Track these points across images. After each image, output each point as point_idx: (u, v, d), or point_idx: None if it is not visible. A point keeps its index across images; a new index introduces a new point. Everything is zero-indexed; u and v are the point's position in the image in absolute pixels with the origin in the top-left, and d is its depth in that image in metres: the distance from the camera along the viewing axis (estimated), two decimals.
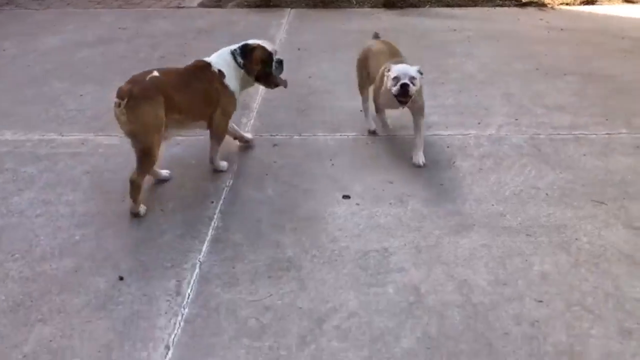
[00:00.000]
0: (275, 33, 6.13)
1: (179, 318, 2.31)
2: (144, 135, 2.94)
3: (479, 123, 3.90)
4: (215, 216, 2.96)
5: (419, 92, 3.41)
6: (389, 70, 3.35)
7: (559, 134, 3.80)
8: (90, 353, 2.17)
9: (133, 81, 2.97)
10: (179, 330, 2.25)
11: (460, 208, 3.01)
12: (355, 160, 3.50)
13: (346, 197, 3.13)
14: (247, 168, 3.41)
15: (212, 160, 3.36)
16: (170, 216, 2.99)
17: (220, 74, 3.26)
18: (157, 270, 2.58)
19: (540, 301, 2.37)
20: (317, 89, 4.62)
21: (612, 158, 3.50)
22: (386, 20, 6.65)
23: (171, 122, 3.00)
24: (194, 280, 2.52)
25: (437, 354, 2.11)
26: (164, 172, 3.29)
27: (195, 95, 3.13)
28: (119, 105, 2.91)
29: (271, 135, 3.84)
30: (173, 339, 2.21)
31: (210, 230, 2.86)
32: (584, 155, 3.53)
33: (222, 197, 3.13)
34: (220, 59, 3.43)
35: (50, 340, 2.23)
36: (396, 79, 3.27)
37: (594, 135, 3.78)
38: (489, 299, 2.37)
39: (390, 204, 3.06)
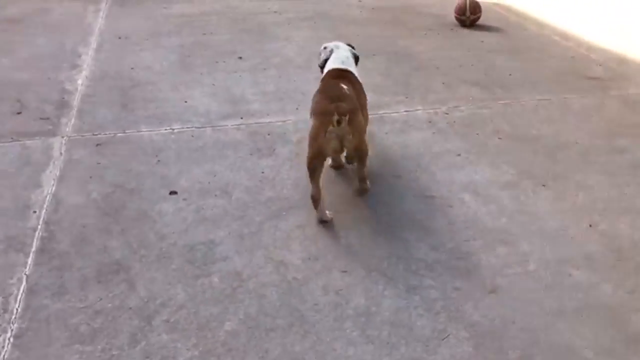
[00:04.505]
0: (93, 21, 6.00)
1: (8, 335, 2.37)
2: (364, 144, 3.14)
3: (297, 108, 4.25)
4: (39, 227, 3.00)
5: None
6: None
7: None
8: None
9: (341, 97, 3.02)
10: (9, 346, 2.32)
11: (280, 194, 3.33)
12: (180, 154, 3.69)
13: (173, 193, 3.31)
14: (69, 172, 3.43)
15: (364, 180, 3.36)
16: None
17: (355, 77, 3.30)
18: None
19: (345, 271, 2.78)
20: (140, 81, 4.68)
21: (409, 134, 4.05)
22: (209, 2, 6.78)
23: None
24: (22, 295, 2.58)
25: (256, 332, 2.43)
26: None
27: (363, 102, 3.27)
28: (339, 122, 2.87)
29: (93, 135, 3.88)
30: (4, 357, 2.28)
31: (35, 242, 2.90)
32: (386, 133, 4.04)
33: (45, 206, 3.15)
34: (348, 62, 3.41)
35: None
36: None
37: (395, 114, 4.31)
38: (302, 275, 2.74)
39: (216, 195, 3.31)
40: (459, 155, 3.76)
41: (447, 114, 4.29)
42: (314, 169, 3.00)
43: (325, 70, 3.40)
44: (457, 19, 6.23)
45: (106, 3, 6.65)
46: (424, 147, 3.84)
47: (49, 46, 5.30)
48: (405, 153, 3.76)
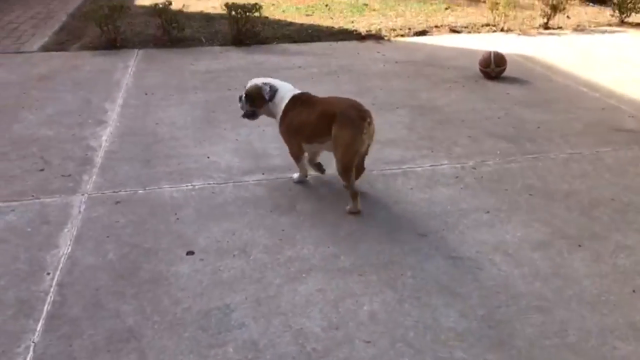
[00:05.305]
0: (121, 77, 6.05)
1: None
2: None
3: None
4: (52, 290, 2.90)
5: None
6: None
7: (389, 169, 4.13)
8: None
9: (357, 104, 3.61)
10: None
11: (300, 253, 3.18)
12: (200, 212, 3.64)
13: (190, 253, 3.19)
14: (87, 231, 3.35)
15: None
16: (2, 294, 2.86)
17: None
18: None
19: (369, 342, 2.58)
20: (164, 137, 4.64)
21: (435, 190, 3.88)
22: (235, 58, 6.81)
23: None
24: None
25: None
26: None
27: None
28: (369, 123, 3.51)
29: (114, 192, 3.80)
30: None
31: (46, 307, 2.79)
32: (411, 189, 3.88)
33: (60, 268, 3.06)
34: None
35: None
36: None
37: (420, 169, 4.16)
38: (322, 345, 2.55)
39: (234, 255, 3.17)
40: (488, 212, 3.57)
41: (474, 168, 4.12)
42: (351, 168, 3.56)
43: (284, 98, 3.82)
44: (481, 71, 6.13)
45: (135, 59, 6.75)
46: (450, 203, 3.67)
47: (75, 102, 5.35)
48: (431, 210, 3.60)
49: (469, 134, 4.73)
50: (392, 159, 4.28)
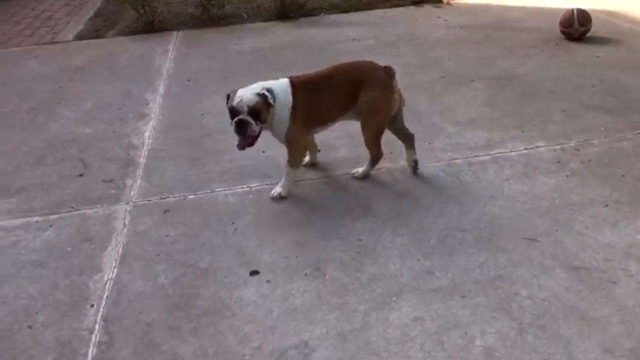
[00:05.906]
0: (161, 63, 5.49)
1: None
2: None
3: (391, 152, 3.46)
4: (97, 327, 2.39)
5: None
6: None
7: (476, 156, 3.42)
8: None
9: (376, 63, 3.32)
10: None
11: (384, 269, 2.54)
12: (261, 220, 3.15)
13: (254, 273, 2.62)
14: (134, 249, 2.97)
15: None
16: (40, 334, 2.35)
17: None
18: None
19: None
20: (211, 130, 4.06)
21: (535, 179, 3.18)
22: (281, 34, 6.16)
23: None
24: None
25: None
26: None
27: None
28: (396, 81, 3.22)
29: (161, 199, 3.26)
30: None
31: (91, 349, 2.28)
32: (506, 180, 3.17)
33: (105, 297, 2.54)
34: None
35: None
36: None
37: (513, 153, 3.44)
38: None
39: (306, 275, 2.58)
40: (607, 206, 2.85)
41: (577, 150, 3.37)
42: (382, 134, 3.33)
43: (285, 92, 3.21)
44: (563, 32, 5.27)
45: (174, 42, 6.18)
46: (558, 196, 2.96)
47: (114, 95, 4.81)
48: (536, 205, 2.90)
49: (563, 108, 3.95)
50: (477, 142, 3.56)
